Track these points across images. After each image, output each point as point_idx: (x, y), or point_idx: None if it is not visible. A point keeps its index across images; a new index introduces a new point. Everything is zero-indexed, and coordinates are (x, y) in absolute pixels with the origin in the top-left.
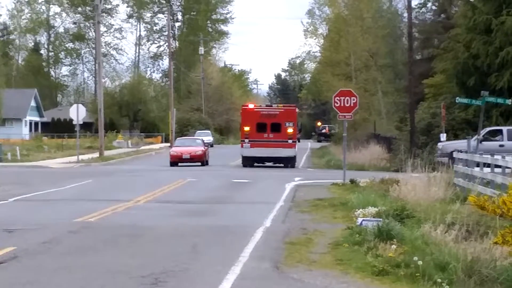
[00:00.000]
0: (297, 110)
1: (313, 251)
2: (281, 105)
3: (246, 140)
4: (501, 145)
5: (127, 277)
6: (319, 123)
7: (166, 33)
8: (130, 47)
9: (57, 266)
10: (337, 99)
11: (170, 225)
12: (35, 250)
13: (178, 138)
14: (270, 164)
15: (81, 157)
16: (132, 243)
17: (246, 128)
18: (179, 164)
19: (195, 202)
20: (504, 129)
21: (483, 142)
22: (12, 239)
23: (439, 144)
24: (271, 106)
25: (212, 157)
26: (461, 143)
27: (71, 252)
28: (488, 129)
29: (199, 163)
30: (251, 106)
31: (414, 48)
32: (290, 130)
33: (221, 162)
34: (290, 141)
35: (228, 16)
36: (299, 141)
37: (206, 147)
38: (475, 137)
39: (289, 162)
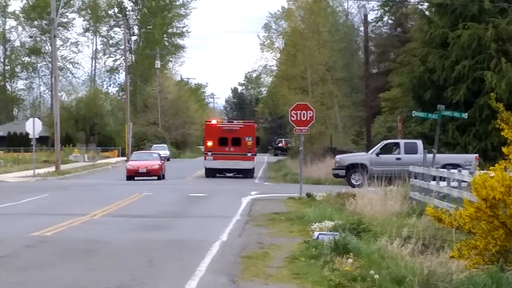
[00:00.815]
0: (255, 126)
1: (270, 265)
2: (241, 121)
3: (209, 153)
4: (398, 158)
5: None
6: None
7: (122, 47)
8: (87, 61)
9: (13, 280)
10: (294, 113)
11: (127, 239)
12: None
13: (134, 152)
14: (230, 175)
15: (37, 171)
16: (88, 257)
17: (209, 143)
18: (136, 178)
19: (152, 216)
20: (401, 142)
21: (380, 155)
22: None
23: (336, 156)
24: (232, 122)
25: (168, 171)
26: (358, 156)
27: (28, 266)
28: (385, 142)
29: (156, 177)
30: (214, 122)
31: (370, 62)
32: (249, 144)
33: (178, 176)
34: (249, 154)
35: (184, 30)
36: (255, 155)
37: (162, 161)
38: (372, 150)
39: (248, 173)
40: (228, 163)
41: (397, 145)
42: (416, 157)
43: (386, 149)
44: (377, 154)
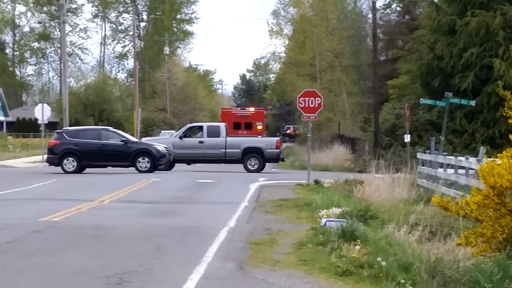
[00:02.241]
0: (265, 112)
1: (277, 251)
2: (252, 108)
3: None
4: (201, 141)
5: (91, 277)
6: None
7: (131, 33)
8: (95, 46)
9: (21, 265)
10: (302, 100)
11: (135, 225)
12: (0, 250)
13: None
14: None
15: (46, 156)
16: (96, 242)
17: None
18: None
19: (160, 202)
20: (205, 125)
21: (183, 139)
22: None
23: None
24: (245, 109)
25: None
26: (162, 140)
27: (36, 251)
28: (189, 125)
29: None
30: (228, 109)
31: (378, 49)
32: (259, 128)
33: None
34: (259, 136)
35: (193, 16)
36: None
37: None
38: (176, 134)
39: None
40: None
41: (200, 128)
42: (218, 140)
43: (190, 133)
44: (181, 138)
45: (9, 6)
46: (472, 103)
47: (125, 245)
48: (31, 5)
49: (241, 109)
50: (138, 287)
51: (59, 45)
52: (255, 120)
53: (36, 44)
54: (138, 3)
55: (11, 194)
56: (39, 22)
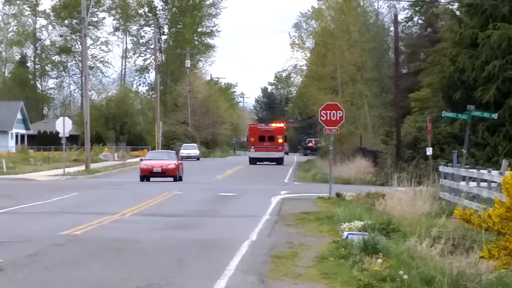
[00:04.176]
0: (285, 127)
1: (299, 265)
2: (274, 123)
3: (252, 147)
4: None
5: None
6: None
7: (152, 46)
8: (117, 60)
9: (42, 279)
10: (323, 113)
11: (156, 238)
12: (21, 263)
13: (150, 151)
14: (267, 163)
15: (67, 170)
16: (117, 256)
17: (252, 139)
18: (151, 178)
19: (181, 215)
20: None
21: None
22: None
23: None
24: (268, 124)
25: (197, 170)
26: None
27: (57, 265)
28: None
29: (171, 178)
30: (255, 124)
31: (400, 62)
32: (280, 140)
33: (207, 175)
34: (280, 147)
35: (214, 29)
36: (287, 154)
37: (180, 161)
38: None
39: (279, 161)
40: (265, 154)
41: None
42: None
43: None
44: None
45: (30, 20)
46: (495, 116)
47: (147, 258)
48: (52, 18)
49: (265, 124)
50: None
51: (80, 58)
52: (277, 134)
53: (57, 58)
54: (159, 17)
55: (32, 208)
56: (60, 36)
